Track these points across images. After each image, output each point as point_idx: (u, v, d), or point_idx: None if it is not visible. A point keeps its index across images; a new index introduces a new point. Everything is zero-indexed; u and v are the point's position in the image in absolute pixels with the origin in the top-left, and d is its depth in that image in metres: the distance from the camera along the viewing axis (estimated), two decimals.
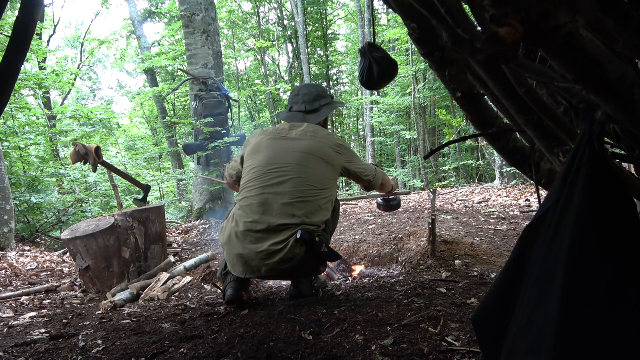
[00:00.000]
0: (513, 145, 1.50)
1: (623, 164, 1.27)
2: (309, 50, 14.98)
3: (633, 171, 1.10)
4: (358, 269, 3.13)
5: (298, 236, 1.88)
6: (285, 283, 2.96)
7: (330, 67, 16.39)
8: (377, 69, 1.90)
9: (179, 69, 10.62)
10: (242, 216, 1.96)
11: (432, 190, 3.16)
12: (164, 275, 2.69)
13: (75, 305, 2.53)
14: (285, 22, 15.96)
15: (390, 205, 2.80)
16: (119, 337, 1.79)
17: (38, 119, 7.57)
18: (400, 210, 5.51)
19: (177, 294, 2.52)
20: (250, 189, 1.99)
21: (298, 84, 15.69)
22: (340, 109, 16.99)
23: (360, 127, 17.01)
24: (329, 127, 17.58)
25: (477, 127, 1.55)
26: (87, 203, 6.64)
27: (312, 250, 1.94)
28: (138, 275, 2.85)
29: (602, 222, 0.73)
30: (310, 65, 14.44)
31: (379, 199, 2.78)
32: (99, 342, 1.75)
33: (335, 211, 2.23)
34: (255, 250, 1.90)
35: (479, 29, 0.78)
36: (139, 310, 2.23)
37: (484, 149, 8.59)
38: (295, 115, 2.19)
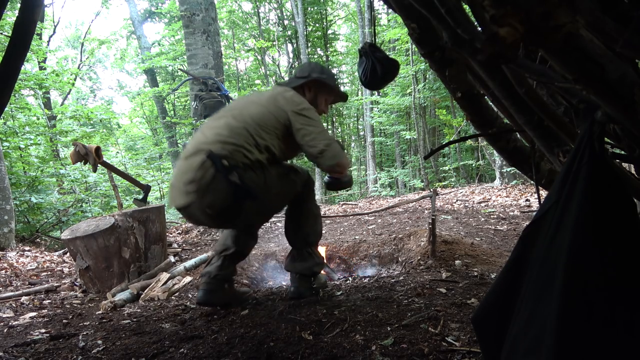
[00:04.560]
0: (513, 145, 1.50)
1: (623, 164, 1.27)
2: (309, 50, 14.97)
3: (633, 171, 1.10)
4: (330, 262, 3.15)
5: (205, 156, 1.81)
6: (285, 283, 2.96)
7: (330, 67, 16.38)
8: (380, 68, 1.90)
9: (179, 69, 10.62)
10: None
11: (432, 190, 3.14)
12: (164, 275, 2.69)
13: (75, 305, 2.53)
14: (285, 22, 15.95)
15: (337, 182, 2.25)
16: (119, 337, 1.79)
17: (38, 119, 7.57)
18: (400, 210, 5.50)
19: (177, 294, 2.52)
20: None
21: None
22: (341, 109, 16.98)
23: (360, 127, 17.01)
24: (328, 126, 17.58)
25: (477, 127, 1.55)
26: (87, 203, 6.64)
27: (220, 175, 1.79)
28: (138, 275, 2.85)
29: (602, 222, 0.73)
30: None
31: (327, 176, 2.26)
32: (99, 342, 1.75)
33: (282, 173, 2.01)
34: (177, 174, 1.92)
35: (479, 29, 0.78)
36: (139, 310, 2.23)
37: (484, 149, 8.59)
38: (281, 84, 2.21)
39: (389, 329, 1.56)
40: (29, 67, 9.16)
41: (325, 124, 18.90)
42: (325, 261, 2.29)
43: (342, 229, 4.35)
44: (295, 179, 2.09)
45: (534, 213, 1.09)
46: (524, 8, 0.59)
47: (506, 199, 5.96)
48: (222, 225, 2.14)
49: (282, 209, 2.23)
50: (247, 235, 2.17)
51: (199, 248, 3.97)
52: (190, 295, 2.46)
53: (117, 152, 12.95)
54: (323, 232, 2.37)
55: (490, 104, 1.48)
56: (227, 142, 1.86)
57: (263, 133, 1.91)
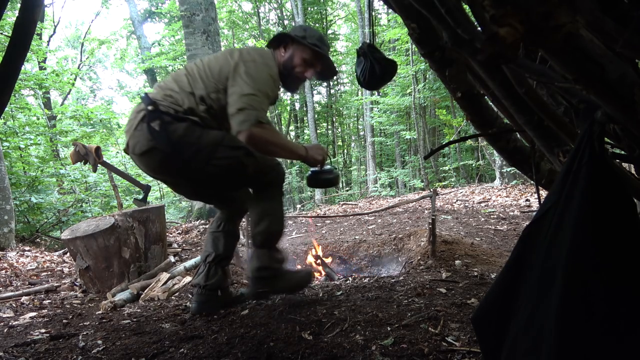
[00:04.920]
0: (513, 145, 1.50)
1: (623, 164, 1.27)
2: None
3: (633, 171, 1.10)
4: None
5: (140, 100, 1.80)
6: None
7: None
8: (378, 69, 1.90)
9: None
10: None
11: (432, 190, 3.14)
12: (164, 275, 2.68)
13: (75, 305, 2.53)
14: (285, 22, 15.96)
15: (317, 178, 2.03)
16: (119, 337, 1.79)
17: (38, 119, 7.57)
18: (400, 210, 5.50)
19: (177, 294, 2.52)
20: None
21: None
22: (341, 109, 16.95)
23: (360, 127, 17.01)
24: (328, 126, 17.57)
25: (477, 127, 1.55)
26: (87, 203, 6.64)
27: (146, 119, 1.75)
28: (138, 275, 2.85)
29: (602, 222, 0.73)
30: None
31: (310, 171, 2.07)
32: (99, 342, 1.75)
33: (228, 145, 1.82)
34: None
35: (479, 29, 0.78)
36: (139, 310, 2.23)
37: (484, 149, 8.59)
38: None
39: (389, 329, 1.56)
40: (29, 67, 9.17)
41: (325, 124, 18.82)
42: (284, 262, 2.09)
43: (342, 229, 4.35)
44: (245, 162, 1.86)
45: (534, 213, 1.09)
46: (524, 8, 0.59)
47: (506, 199, 5.96)
48: (164, 179, 2.02)
49: (225, 189, 2.01)
50: (226, 236, 2.08)
51: (199, 248, 3.97)
52: (190, 295, 2.46)
53: (117, 152, 12.94)
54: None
55: (490, 104, 1.48)
56: (164, 87, 1.82)
57: (200, 82, 1.80)
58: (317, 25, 15.82)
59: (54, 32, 11.40)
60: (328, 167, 2.04)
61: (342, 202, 8.91)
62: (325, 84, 16.78)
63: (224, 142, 1.82)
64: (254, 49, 1.88)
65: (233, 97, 1.72)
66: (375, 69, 1.89)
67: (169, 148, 1.74)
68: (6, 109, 2.04)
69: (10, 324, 2.17)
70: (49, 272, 3.54)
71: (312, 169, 2.05)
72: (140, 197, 3.68)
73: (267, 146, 1.75)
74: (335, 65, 2.08)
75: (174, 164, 1.80)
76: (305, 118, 15.63)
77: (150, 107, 1.74)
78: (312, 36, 1.95)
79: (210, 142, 1.79)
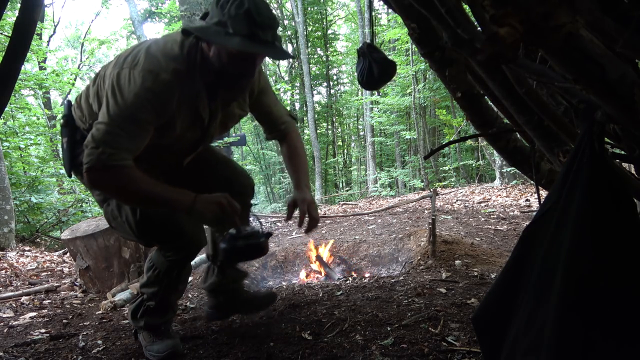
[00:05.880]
0: (513, 145, 1.50)
1: (623, 164, 1.27)
2: (309, 50, 14.96)
3: (633, 171, 1.10)
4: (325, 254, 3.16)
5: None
6: (285, 283, 2.96)
7: (330, 67, 16.38)
8: (376, 69, 1.90)
9: None
10: None
11: (432, 190, 3.13)
12: None
13: (75, 305, 2.53)
14: (285, 22, 15.94)
15: (229, 247, 1.44)
16: (119, 337, 1.79)
17: (38, 119, 7.56)
18: (400, 210, 5.49)
19: None
20: None
21: (298, 84, 15.69)
22: (341, 109, 16.93)
23: (360, 127, 17.00)
24: (328, 126, 17.55)
25: (477, 127, 1.55)
26: (87, 203, 6.63)
27: (61, 134, 1.52)
28: (138, 275, 2.84)
29: (602, 222, 0.73)
30: (310, 65, 14.44)
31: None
32: (99, 342, 1.75)
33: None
34: None
35: (479, 29, 0.78)
36: None
37: (484, 149, 8.59)
38: None
39: (389, 329, 1.56)
40: (29, 67, 9.16)
41: (325, 124, 18.81)
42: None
43: (342, 229, 4.35)
44: (122, 219, 1.46)
45: (534, 213, 1.09)
46: (524, 8, 0.59)
47: (506, 199, 5.96)
48: None
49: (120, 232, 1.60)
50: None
51: None
52: (190, 295, 2.46)
53: None
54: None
55: (490, 104, 1.49)
56: (82, 93, 1.48)
57: (96, 93, 1.40)
58: (317, 25, 15.82)
59: (54, 32, 11.41)
60: (251, 229, 1.47)
61: (342, 202, 8.91)
62: (325, 83, 16.78)
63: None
64: (148, 48, 1.33)
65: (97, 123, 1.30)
66: (373, 69, 1.89)
67: (68, 172, 1.51)
68: (6, 109, 2.03)
69: (10, 324, 2.17)
70: (49, 272, 3.54)
71: (230, 231, 1.47)
72: None
73: (114, 194, 1.38)
74: (282, 49, 1.35)
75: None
76: (305, 118, 15.63)
77: (61, 121, 1.49)
78: (235, 17, 1.20)
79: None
